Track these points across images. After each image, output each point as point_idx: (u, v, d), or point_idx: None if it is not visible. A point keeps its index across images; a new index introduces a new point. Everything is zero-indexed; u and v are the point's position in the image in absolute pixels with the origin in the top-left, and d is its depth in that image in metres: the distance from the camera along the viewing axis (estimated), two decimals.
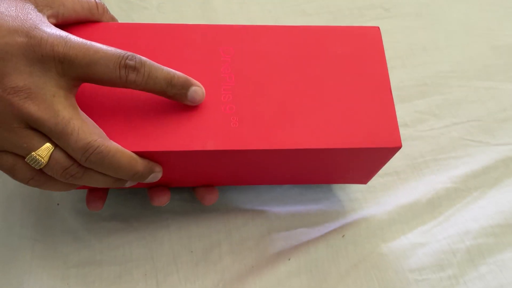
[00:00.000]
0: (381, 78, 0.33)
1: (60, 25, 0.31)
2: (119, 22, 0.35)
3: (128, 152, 0.29)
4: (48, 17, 0.29)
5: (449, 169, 0.44)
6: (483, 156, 0.44)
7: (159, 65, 0.29)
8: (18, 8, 0.28)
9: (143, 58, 0.28)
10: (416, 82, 0.50)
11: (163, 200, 0.36)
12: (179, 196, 0.41)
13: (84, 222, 0.40)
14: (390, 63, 0.52)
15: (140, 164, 0.30)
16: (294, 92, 0.32)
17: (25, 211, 0.40)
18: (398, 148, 0.31)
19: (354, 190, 0.42)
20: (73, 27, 0.32)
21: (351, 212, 0.41)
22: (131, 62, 0.28)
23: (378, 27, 0.35)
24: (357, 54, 0.34)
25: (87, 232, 0.39)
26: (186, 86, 0.30)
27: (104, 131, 0.29)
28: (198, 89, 0.30)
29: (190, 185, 0.39)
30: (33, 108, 0.26)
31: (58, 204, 0.40)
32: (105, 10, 0.33)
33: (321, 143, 0.31)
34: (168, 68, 0.29)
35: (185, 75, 0.30)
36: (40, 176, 0.29)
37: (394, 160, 0.44)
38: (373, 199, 0.42)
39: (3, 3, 0.28)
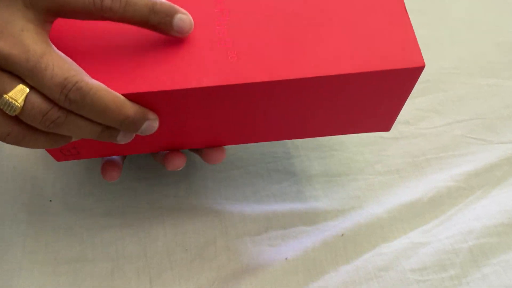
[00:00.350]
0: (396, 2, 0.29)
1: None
2: None
3: (113, 91, 0.26)
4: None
5: (451, 168, 0.43)
6: (486, 154, 0.43)
7: None
8: None
9: None
10: (419, 79, 0.49)
11: (178, 163, 0.34)
12: (174, 192, 0.40)
13: (76, 218, 0.39)
14: None
15: (129, 106, 0.26)
16: (297, 20, 0.28)
17: (17, 206, 0.39)
18: (421, 68, 0.28)
19: (354, 188, 0.41)
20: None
21: (350, 210, 0.40)
22: None
23: None
24: None
25: (79, 228, 0.38)
26: (171, 13, 0.27)
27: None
28: (184, 17, 0.27)
29: (194, 147, 0.35)
30: (0, 44, 0.23)
31: (50, 200, 0.40)
32: None
33: (332, 69, 0.27)
34: None
35: (169, 2, 0.27)
36: (18, 128, 0.26)
37: (395, 157, 0.43)
38: (373, 198, 0.41)
39: None
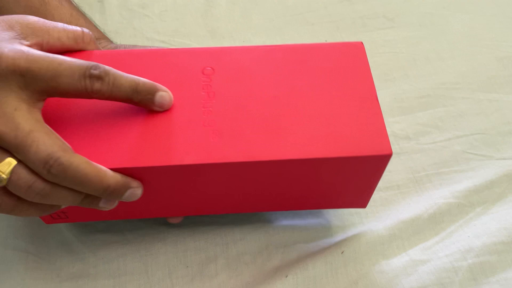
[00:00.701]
0: (367, 89, 0.32)
1: None
2: (117, 44, 0.35)
3: (95, 164, 0.28)
4: (32, 45, 0.28)
5: (452, 184, 0.43)
6: (486, 170, 0.44)
7: (123, 73, 0.29)
8: None
9: (107, 67, 0.28)
10: (419, 94, 0.49)
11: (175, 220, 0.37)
12: None
13: (78, 234, 0.39)
14: (392, 74, 0.51)
15: (110, 177, 0.28)
16: (277, 105, 0.31)
17: (19, 222, 0.39)
18: (388, 155, 0.30)
19: None
20: None
21: (350, 226, 0.40)
22: (96, 72, 0.28)
23: (361, 42, 0.35)
24: (342, 68, 0.33)
25: (82, 244, 0.38)
26: (152, 91, 0.30)
27: (72, 147, 0.28)
28: (165, 94, 0.31)
29: (180, 215, 0.37)
30: None
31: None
32: (91, 40, 0.33)
33: (306, 153, 0.30)
34: (133, 75, 0.29)
35: (151, 81, 0.30)
36: (8, 199, 0.28)
37: (395, 173, 0.43)
38: (374, 214, 0.41)
39: None
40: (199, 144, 0.30)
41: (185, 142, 0.30)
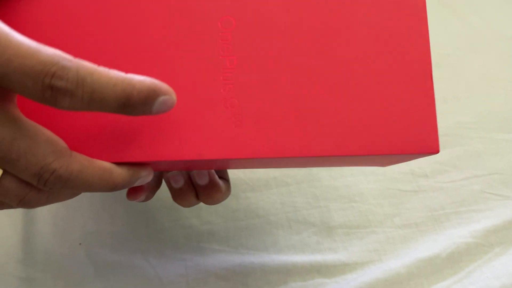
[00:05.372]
0: (422, 63, 0.27)
1: None
2: None
3: (97, 165, 0.23)
4: None
5: (470, 223, 0.43)
6: (504, 210, 0.44)
7: (108, 76, 0.21)
8: None
9: (83, 70, 0.20)
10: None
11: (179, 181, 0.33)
12: (197, 238, 0.42)
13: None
14: None
15: (117, 175, 0.24)
16: (312, 80, 0.26)
17: (49, 248, 0.41)
18: (434, 153, 0.27)
19: (373, 240, 0.42)
20: None
21: (369, 263, 0.41)
22: (60, 83, 0.19)
23: None
24: (395, 28, 0.27)
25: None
26: (150, 101, 0.22)
27: (66, 139, 0.23)
28: (166, 99, 0.22)
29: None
30: None
31: (80, 243, 0.41)
32: None
33: (343, 149, 0.26)
34: (125, 79, 0.21)
35: (150, 83, 0.22)
36: (1, 203, 0.24)
37: (413, 211, 0.44)
38: (392, 251, 0.41)
39: None
40: (219, 134, 0.25)
41: (203, 131, 0.25)
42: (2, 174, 0.22)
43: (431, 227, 0.43)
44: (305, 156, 0.26)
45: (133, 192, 0.32)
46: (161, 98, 0.22)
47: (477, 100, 0.53)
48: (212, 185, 0.33)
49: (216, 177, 0.35)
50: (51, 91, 0.19)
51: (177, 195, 0.34)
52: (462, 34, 0.58)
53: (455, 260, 0.40)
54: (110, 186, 0.24)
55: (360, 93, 0.26)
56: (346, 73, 0.26)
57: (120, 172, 0.24)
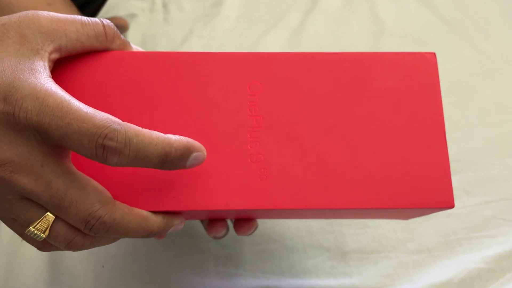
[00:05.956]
0: (436, 122, 0.29)
1: (65, 58, 0.28)
2: (132, 45, 0.31)
3: (136, 213, 0.26)
4: (50, 53, 0.26)
5: (482, 249, 0.44)
6: None
7: (150, 137, 0.24)
8: (7, 59, 0.24)
9: (130, 132, 0.23)
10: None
11: (219, 230, 0.36)
12: (214, 262, 0.43)
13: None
14: None
15: (153, 222, 0.27)
16: (333, 138, 0.28)
17: (75, 271, 0.43)
18: (449, 208, 0.29)
19: (386, 265, 0.43)
20: (78, 60, 0.29)
21: None
22: (111, 143, 0.23)
23: (434, 53, 0.30)
24: (408, 88, 0.29)
25: None
26: (185, 157, 0.26)
27: (110, 190, 0.26)
28: (199, 155, 0.26)
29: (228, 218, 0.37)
30: (23, 181, 0.23)
31: (103, 266, 0.43)
32: (115, 36, 0.29)
33: (362, 203, 0.28)
34: (164, 139, 0.25)
35: (185, 142, 0.25)
36: (50, 245, 0.27)
37: (426, 236, 0.45)
38: (406, 276, 0.42)
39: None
40: (247, 186, 0.28)
41: (231, 183, 0.28)
42: (54, 220, 0.25)
43: (443, 252, 0.44)
44: (326, 208, 0.28)
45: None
46: (194, 155, 0.26)
47: (488, 126, 0.54)
48: (248, 220, 0.36)
49: None
50: (103, 150, 0.23)
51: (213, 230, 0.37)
52: (474, 60, 0.60)
53: (467, 285, 0.41)
54: (147, 233, 0.27)
55: (379, 153, 0.28)
56: (365, 133, 0.29)
57: (156, 220, 0.27)
